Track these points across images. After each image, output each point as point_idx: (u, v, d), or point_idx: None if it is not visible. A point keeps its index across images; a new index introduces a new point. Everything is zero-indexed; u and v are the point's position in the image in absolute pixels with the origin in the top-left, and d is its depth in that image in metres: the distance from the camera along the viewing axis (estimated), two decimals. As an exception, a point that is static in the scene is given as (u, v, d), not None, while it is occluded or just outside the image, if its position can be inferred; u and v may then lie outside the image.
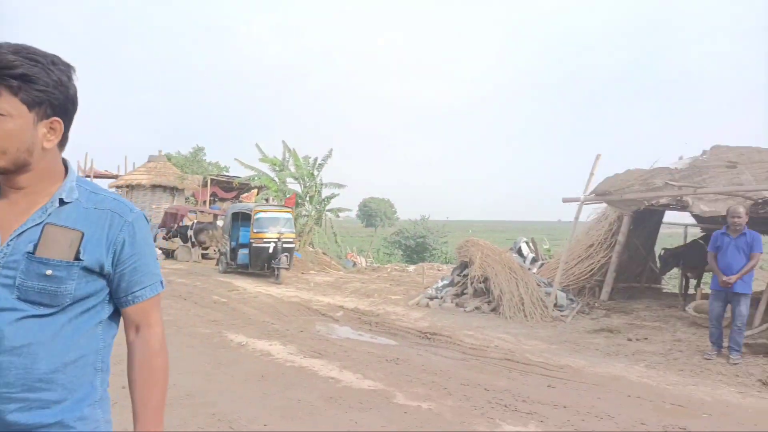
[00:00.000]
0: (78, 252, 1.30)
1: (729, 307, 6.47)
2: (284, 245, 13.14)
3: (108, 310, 1.42)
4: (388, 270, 15.42)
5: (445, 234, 26.76)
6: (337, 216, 24.62)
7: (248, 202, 21.31)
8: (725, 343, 6.40)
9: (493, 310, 9.27)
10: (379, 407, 4.61)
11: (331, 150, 22.38)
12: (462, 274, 10.39)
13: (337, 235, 21.50)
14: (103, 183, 33.61)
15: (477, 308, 9.42)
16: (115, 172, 33.23)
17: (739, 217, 6.29)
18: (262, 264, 13.15)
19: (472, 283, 9.84)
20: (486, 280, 9.74)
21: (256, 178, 23.78)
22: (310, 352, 6.35)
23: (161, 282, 1.47)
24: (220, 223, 18.18)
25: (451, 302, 9.83)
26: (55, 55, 1.32)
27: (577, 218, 9.53)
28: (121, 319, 1.47)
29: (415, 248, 23.68)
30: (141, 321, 1.43)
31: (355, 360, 6.07)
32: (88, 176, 32.00)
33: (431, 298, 10.12)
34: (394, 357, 6.22)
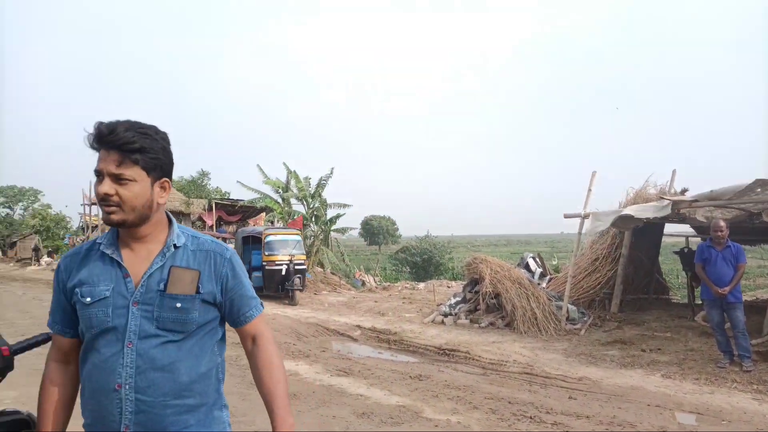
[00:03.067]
0: (197, 287, 1.59)
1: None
2: (296, 267, 13.38)
3: (221, 331, 1.72)
4: (399, 288, 15.62)
5: (450, 250, 26.98)
6: (344, 235, 24.92)
7: (257, 225, 21.53)
8: (735, 351, 6.62)
9: (507, 325, 9.48)
10: (410, 422, 4.82)
11: (332, 169, 22.82)
12: (473, 291, 10.61)
13: (345, 254, 21.77)
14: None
15: (491, 324, 9.63)
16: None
17: (721, 231, 6.60)
18: (276, 286, 13.39)
19: (484, 299, 10.05)
20: (497, 295, 9.96)
21: (259, 201, 24.13)
22: (335, 371, 6.56)
23: (261, 303, 1.78)
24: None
25: (465, 318, 10.04)
26: (155, 126, 1.62)
27: (579, 233, 9.79)
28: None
29: (422, 265, 23.87)
30: (255, 333, 1.72)
31: (380, 377, 6.28)
32: (94, 203, 32.38)
33: (445, 315, 10.33)
34: (417, 374, 6.43)
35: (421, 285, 16.57)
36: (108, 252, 1.59)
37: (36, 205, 44.75)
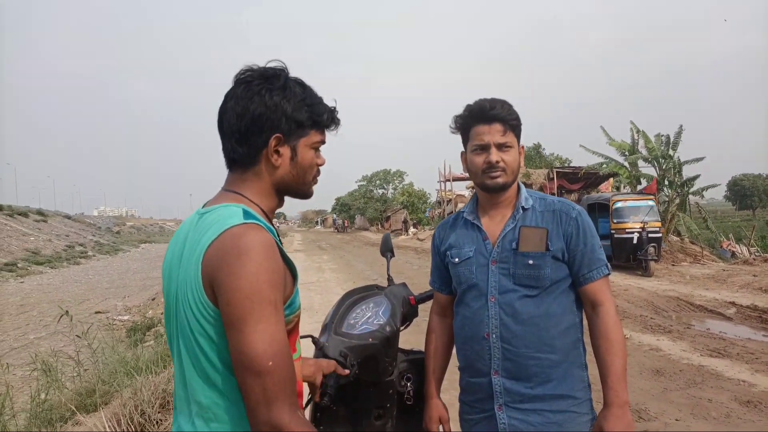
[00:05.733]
0: (547, 244, 1.67)
1: None
2: (649, 235, 12.35)
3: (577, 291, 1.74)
4: (788, 260, 12.83)
5: None
6: (702, 196, 21.65)
7: (605, 192, 20.61)
8: None
9: None
10: (817, 421, 3.98)
11: (681, 126, 19.95)
12: None
13: (708, 219, 18.90)
14: (460, 185, 37.61)
15: None
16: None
17: None
18: (627, 255, 12.62)
19: None
20: None
21: (603, 166, 22.86)
22: (706, 351, 5.88)
23: (606, 265, 1.72)
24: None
25: None
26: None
27: None
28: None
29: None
30: (594, 299, 1.69)
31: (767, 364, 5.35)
32: (448, 179, 36.29)
33: None
34: (822, 365, 5.24)
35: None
36: (470, 219, 1.82)
37: (402, 185, 52.66)
